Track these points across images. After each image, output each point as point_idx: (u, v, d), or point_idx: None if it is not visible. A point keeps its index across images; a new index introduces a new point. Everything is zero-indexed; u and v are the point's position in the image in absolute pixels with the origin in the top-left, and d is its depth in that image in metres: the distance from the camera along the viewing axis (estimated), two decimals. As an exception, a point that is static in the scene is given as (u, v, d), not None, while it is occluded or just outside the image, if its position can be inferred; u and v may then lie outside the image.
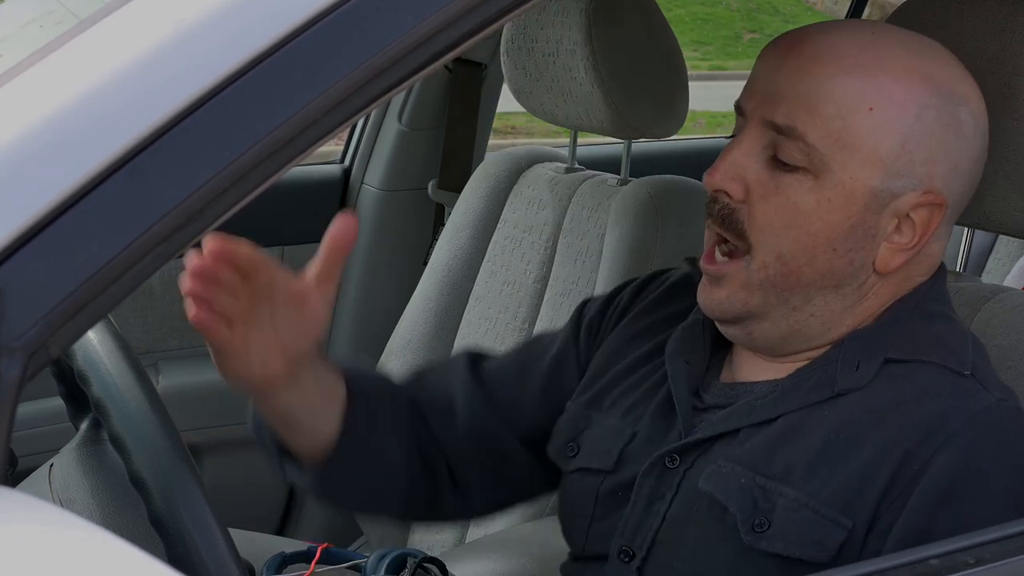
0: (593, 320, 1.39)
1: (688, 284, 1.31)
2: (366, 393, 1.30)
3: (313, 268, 1.17)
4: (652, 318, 1.34)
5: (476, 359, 1.41)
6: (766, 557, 1.11)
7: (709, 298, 1.19)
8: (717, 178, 1.16)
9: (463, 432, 1.35)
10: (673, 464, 1.19)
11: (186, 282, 1.09)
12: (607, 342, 1.35)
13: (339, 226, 1.16)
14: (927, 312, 1.18)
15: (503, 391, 1.38)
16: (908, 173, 1.13)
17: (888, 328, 1.16)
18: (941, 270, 1.21)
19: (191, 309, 1.10)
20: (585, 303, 1.42)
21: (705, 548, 1.15)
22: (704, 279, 1.20)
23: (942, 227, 1.17)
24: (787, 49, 1.16)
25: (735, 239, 1.16)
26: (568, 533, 1.32)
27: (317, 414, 1.25)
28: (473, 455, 1.36)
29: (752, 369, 1.22)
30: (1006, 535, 0.98)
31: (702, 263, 1.20)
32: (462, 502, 1.38)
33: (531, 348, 1.43)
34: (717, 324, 1.23)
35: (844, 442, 1.11)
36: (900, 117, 1.12)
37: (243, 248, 1.10)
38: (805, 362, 1.19)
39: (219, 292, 1.10)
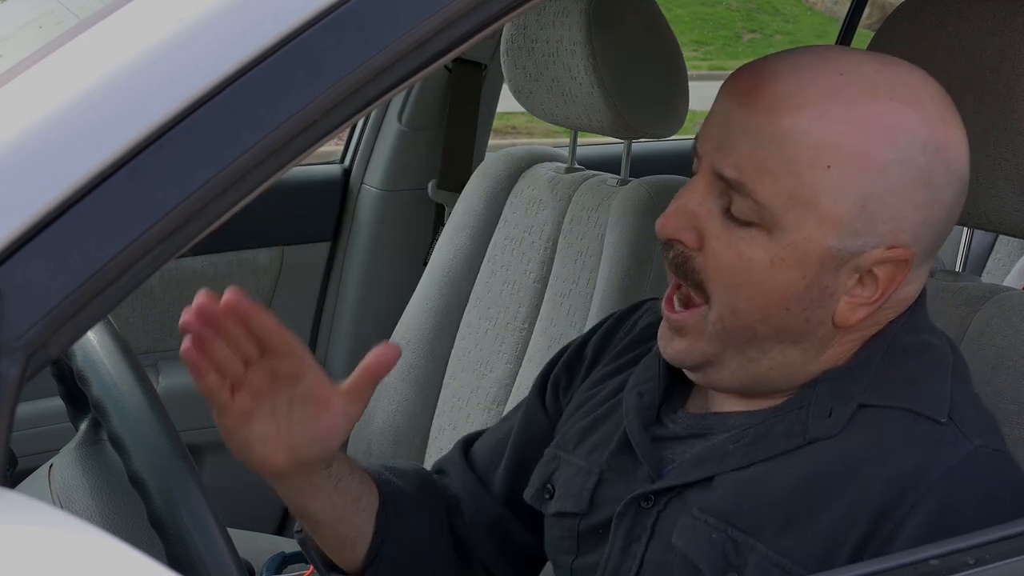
0: (559, 377, 1.37)
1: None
2: (396, 496, 1.29)
3: (347, 382, 1.14)
4: (624, 358, 1.32)
5: (467, 444, 1.42)
6: None
7: (670, 347, 1.16)
8: (669, 228, 1.11)
9: (470, 519, 1.36)
10: (648, 504, 1.17)
11: (185, 314, 1.08)
12: (578, 393, 1.34)
13: (381, 352, 1.12)
14: (902, 346, 1.12)
15: (486, 471, 1.39)
16: (869, 232, 1.06)
17: (862, 370, 1.11)
18: (920, 297, 1.15)
19: (185, 342, 1.09)
20: (550, 368, 1.40)
21: None
22: (664, 325, 1.17)
23: (914, 272, 1.10)
24: (744, 92, 1.08)
25: (692, 289, 1.12)
26: (556, 570, 1.30)
27: (343, 519, 1.25)
28: (485, 538, 1.36)
29: (725, 401, 1.19)
30: (1006, 535, 0.98)
31: (663, 308, 1.16)
32: None
33: (506, 422, 1.42)
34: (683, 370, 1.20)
35: (816, 496, 1.07)
36: (860, 174, 1.04)
37: (265, 318, 1.08)
38: (777, 402, 1.15)
39: (217, 342, 1.08)
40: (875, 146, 1.04)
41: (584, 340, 1.39)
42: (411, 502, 1.31)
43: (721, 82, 1.14)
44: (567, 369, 1.38)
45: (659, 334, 1.18)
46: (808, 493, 1.08)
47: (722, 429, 1.16)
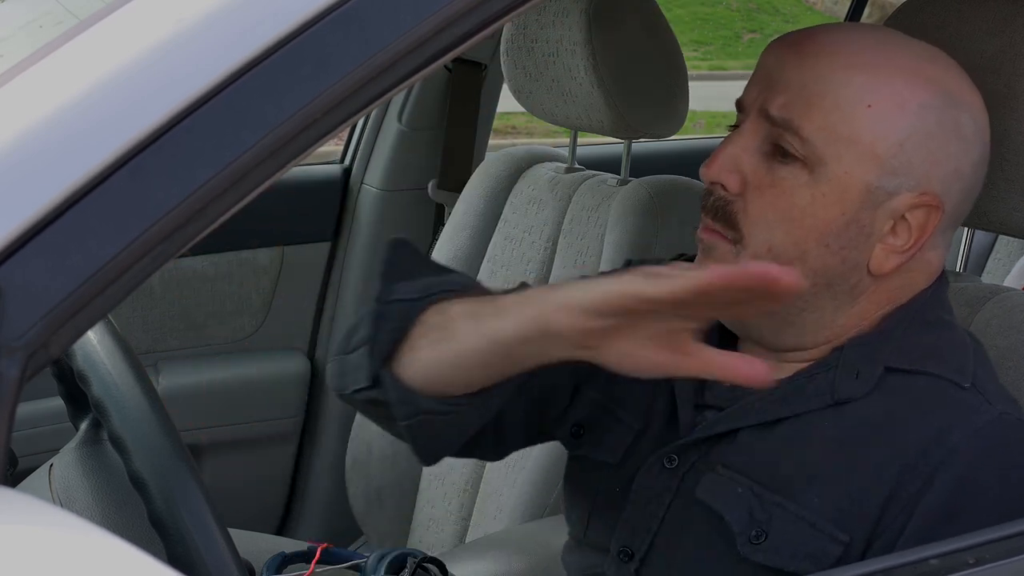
0: None
1: None
2: None
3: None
4: None
5: None
6: (761, 569, 1.10)
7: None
8: (714, 170, 1.15)
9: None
10: (671, 464, 1.19)
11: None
12: None
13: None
14: (928, 319, 1.17)
15: None
16: (905, 172, 1.12)
17: (889, 335, 1.15)
18: (941, 277, 1.20)
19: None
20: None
21: (701, 556, 1.15)
22: (699, 253, 1.19)
23: (940, 235, 1.16)
24: (790, 44, 1.16)
25: (726, 229, 1.15)
26: (569, 516, 1.32)
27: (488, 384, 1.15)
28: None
29: None
30: (1006, 535, 0.98)
31: (698, 233, 1.19)
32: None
33: None
34: None
35: (843, 456, 1.10)
36: (900, 116, 1.11)
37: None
38: (806, 364, 1.18)
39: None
40: (914, 92, 1.12)
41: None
42: None
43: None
44: None
45: (695, 263, 1.19)
46: (835, 453, 1.10)
47: (751, 394, 1.17)
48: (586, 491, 1.28)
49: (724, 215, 1.15)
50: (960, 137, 1.13)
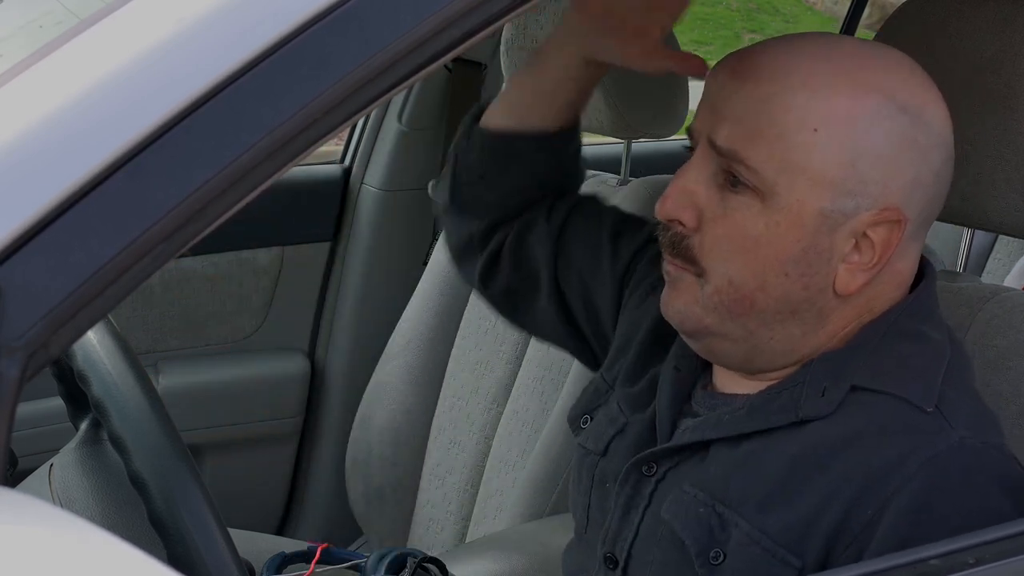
0: (636, 258, 1.41)
1: None
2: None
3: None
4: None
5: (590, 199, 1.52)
6: None
7: (669, 305, 1.17)
8: (669, 207, 1.13)
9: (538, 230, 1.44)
10: (649, 472, 1.19)
11: None
12: (629, 307, 1.38)
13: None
14: (903, 330, 1.13)
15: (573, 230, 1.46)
16: (860, 192, 1.08)
17: (858, 351, 1.12)
18: (923, 285, 1.17)
19: None
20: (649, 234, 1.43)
21: (668, 573, 1.15)
22: (666, 284, 1.18)
23: (907, 243, 1.12)
24: (732, 69, 1.12)
25: (686, 264, 1.14)
26: (573, 508, 1.33)
27: (582, 92, 1.44)
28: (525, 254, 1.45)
29: (730, 381, 1.20)
30: (1006, 535, 0.98)
31: (663, 263, 1.18)
32: (493, 262, 1.48)
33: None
34: (682, 335, 1.21)
35: (800, 476, 1.08)
36: (846, 135, 1.07)
37: None
38: (777, 380, 1.16)
39: None
40: (859, 108, 1.08)
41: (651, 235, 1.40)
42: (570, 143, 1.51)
43: None
44: (635, 258, 1.42)
45: (662, 293, 1.19)
46: (792, 472, 1.09)
47: (725, 408, 1.18)
48: (586, 481, 1.30)
49: (681, 251, 1.14)
50: (916, 148, 1.09)
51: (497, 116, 1.44)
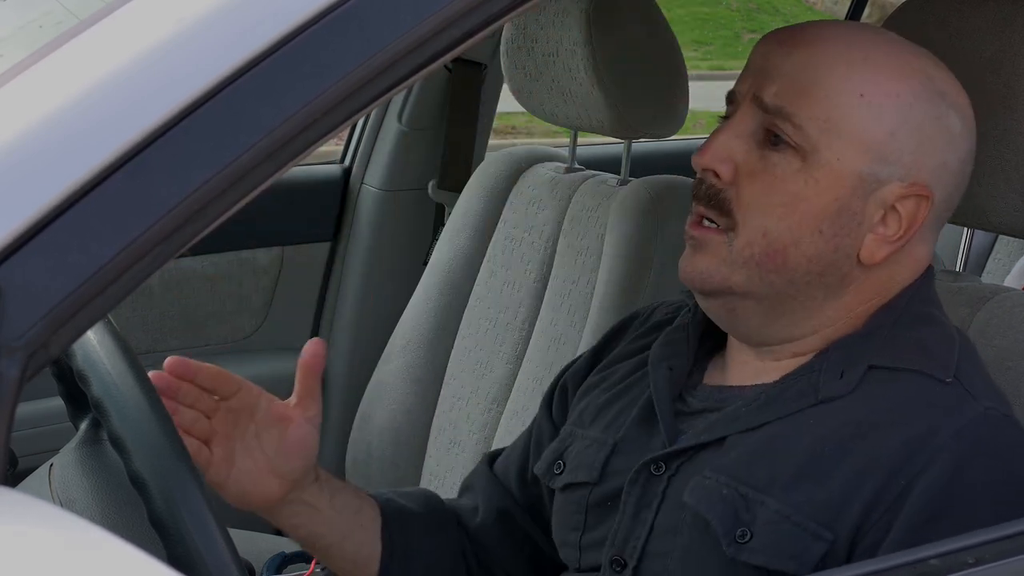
0: (566, 386, 1.41)
1: (677, 310, 1.33)
2: (402, 513, 1.34)
3: (294, 391, 1.23)
4: (640, 343, 1.35)
5: (493, 457, 1.47)
6: (750, 569, 1.10)
7: (691, 266, 1.18)
8: (707, 158, 1.16)
9: (484, 519, 1.39)
10: (658, 471, 1.19)
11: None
12: (591, 376, 1.37)
13: (309, 350, 1.21)
14: (913, 314, 1.17)
15: (505, 478, 1.43)
16: (896, 161, 1.13)
17: (873, 336, 1.16)
18: (928, 272, 1.21)
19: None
20: (558, 379, 1.44)
21: (692, 559, 1.15)
22: (687, 248, 1.20)
23: (928, 229, 1.17)
24: (784, 36, 1.18)
25: (719, 217, 1.16)
26: (563, 550, 1.31)
27: (347, 536, 1.31)
28: (493, 528, 1.40)
29: (742, 372, 1.22)
30: (1006, 535, 0.98)
31: (687, 228, 1.20)
32: None
33: (521, 437, 1.46)
34: (699, 299, 1.22)
35: (828, 455, 1.10)
36: (891, 106, 1.13)
37: (207, 368, 1.18)
38: (791, 368, 1.18)
39: (181, 408, 1.17)
40: (904, 85, 1.14)
41: (595, 350, 1.41)
42: (417, 519, 1.35)
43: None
44: (575, 377, 1.40)
45: (681, 259, 1.20)
46: (820, 451, 1.11)
47: (737, 400, 1.19)
48: (575, 514, 1.28)
49: (717, 202, 1.16)
50: (948, 132, 1.15)
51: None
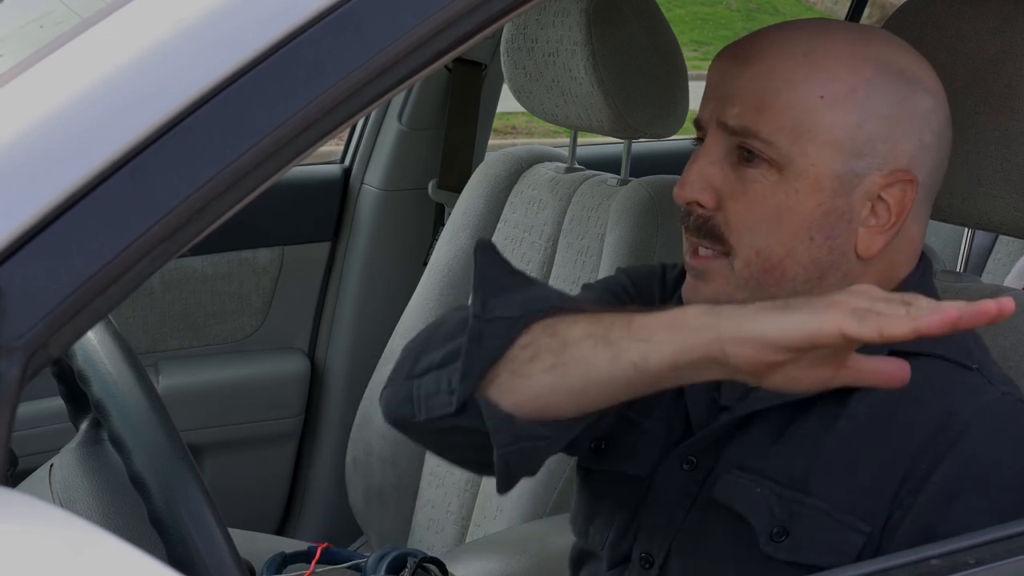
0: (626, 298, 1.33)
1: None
2: None
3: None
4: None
5: None
6: (785, 566, 1.11)
7: (696, 296, 1.19)
8: (687, 191, 1.16)
9: None
10: (690, 468, 1.20)
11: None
12: None
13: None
14: None
15: None
16: (870, 153, 1.13)
17: None
18: (927, 265, 1.21)
19: None
20: (619, 278, 1.34)
21: (723, 557, 1.16)
22: (689, 277, 1.20)
23: (919, 206, 1.17)
24: (736, 52, 1.17)
25: (714, 244, 1.16)
26: (584, 529, 1.31)
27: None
28: None
29: None
30: (1006, 535, 0.98)
31: (686, 260, 1.20)
32: None
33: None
34: None
35: (855, 445, 1.11)
36: (850, 99, 1.12)
37: None
38: None
39: None
40: (860, 75, 1.13)
41: (623, 285, 1.33)
42: None
43: None
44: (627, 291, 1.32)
45: (684, 287, 1.20)
46: (847, 443, 1.11)
47: (759, 388, 1.17)
48: (611, 504, 1.27)
49: (707, 231, 1.16)
50: (916, 110, 1.14)
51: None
